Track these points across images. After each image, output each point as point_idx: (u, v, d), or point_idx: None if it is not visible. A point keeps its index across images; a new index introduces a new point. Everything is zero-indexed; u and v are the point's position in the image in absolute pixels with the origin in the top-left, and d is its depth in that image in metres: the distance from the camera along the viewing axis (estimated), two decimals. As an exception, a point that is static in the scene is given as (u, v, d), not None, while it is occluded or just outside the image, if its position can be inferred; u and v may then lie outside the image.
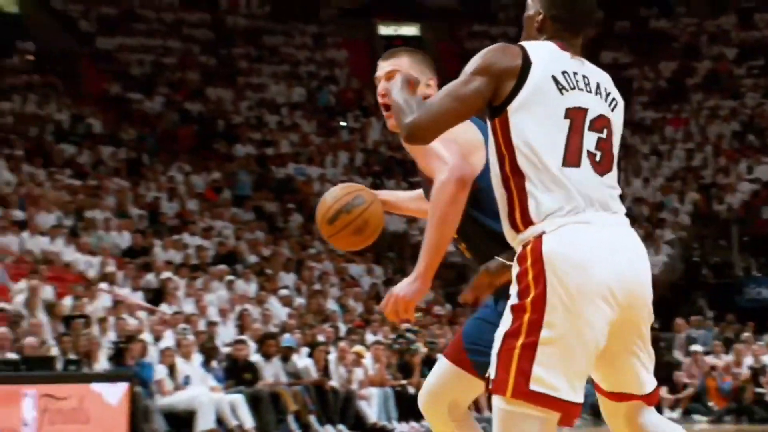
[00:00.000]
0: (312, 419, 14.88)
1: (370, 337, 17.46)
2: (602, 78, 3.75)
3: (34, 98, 24.36)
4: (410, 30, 33.48)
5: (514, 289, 3.51)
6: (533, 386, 3.39)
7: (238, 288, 17.96)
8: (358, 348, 16.44)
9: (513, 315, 3.46)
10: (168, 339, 14.79)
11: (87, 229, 18.78)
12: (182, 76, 28.95)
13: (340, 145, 27.43)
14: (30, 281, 14.68)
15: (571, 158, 3.55)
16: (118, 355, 13.81)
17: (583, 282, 3.42)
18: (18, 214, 17.97)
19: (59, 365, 12.93)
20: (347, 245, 4.47)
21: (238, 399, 14.07)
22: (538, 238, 3.47)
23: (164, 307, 16.44)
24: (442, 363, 4.49)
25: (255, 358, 15.16)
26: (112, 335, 14.45)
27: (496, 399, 3.46)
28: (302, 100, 29.45)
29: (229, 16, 31.76)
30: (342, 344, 16.17)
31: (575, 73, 3.65)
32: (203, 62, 30.06)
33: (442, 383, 4.47)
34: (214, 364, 14.66)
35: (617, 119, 3.74)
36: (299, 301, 18.67)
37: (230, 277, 18.07)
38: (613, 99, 3.75)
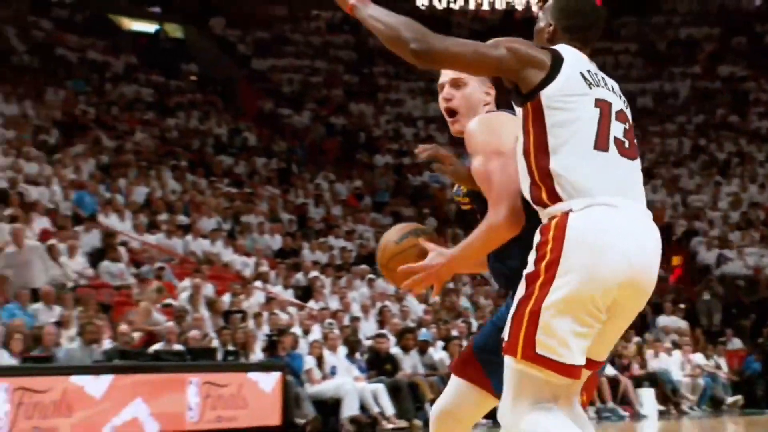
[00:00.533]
0: (447, 407, 14.80)
1: (500, 333, 17.29)
2: (614, 83, 3.71)
3: (197, 115, 24.80)
4: (536, 47, 33.15)
5: (532, 257, 3.46)
6: (539, 350, 3.37)
7: (379, 286, 18.01)
8: (489, 342, 16.30)
9: (527, 282, 3.44)
10: (316, 332, 14.88)
11: (243, 232, 19.04)
12: (328, 93, 29.22)
13: (471, 156, 27.29)
14: (193, 280, 14.87)
15: (601, 143, 3.49)
16: (271, 347, 13.87)
17: (595, 264, 3.36)
18: (182, 219, 18.25)
19: (219, 356, 13.04)
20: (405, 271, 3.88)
21: (380, 388, 14.07)
22: (565, 215, 3.41)
23: (312, 304, 16.56)
24: (452, 380, 4.13)
25: (394, 350, 15.15)
26: (265, 329, 14.54)
27: (507, 358, 3.46)
28: (437, 114, 29.20)
29: (371, 38, 31.91)
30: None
31: (596, 74, 3.62)
32: (347, 80, 30.29)
33: (452, 400, 4.11)
34: (357, 355, 14.69)
35: (630, 119, 3.70)
36: (434, 298, 18.64)
37: (371, 276, 18.12)
38: (625, 101, 3.71)
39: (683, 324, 20.51)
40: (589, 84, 3.54)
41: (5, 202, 15.35)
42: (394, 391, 14.19)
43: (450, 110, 4.14)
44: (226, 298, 15.22)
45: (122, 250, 15.78)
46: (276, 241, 19.32)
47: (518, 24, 33.95)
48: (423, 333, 16.13)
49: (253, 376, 12.81)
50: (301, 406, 13.30)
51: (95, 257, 15.43)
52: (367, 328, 16.21)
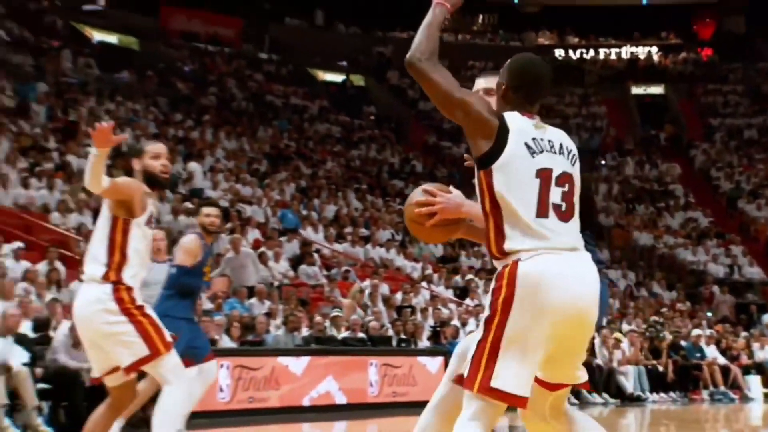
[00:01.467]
0: (583, 390, 14.50)
1: (626, 327, 16.82)
2: (563, 137, 3.42)
3: (375, 147, 25.05)
4: (657, 89, 32.15)
5: (487, 301, 3.31)
6: (493, 383, 3.22)
7: (524, 287, 17.75)
8: (617, 334, 15.87)
9: (485, 326, 3.27)
10: (471, 325, 14.71)
11: (412, 242, 19.05)
12: (481, 128, 29.06)
13: (600, 179, 26.73)
14: (372, 280, 14.98)
15: (542, 211, 3.28)
16: (435, 336, 13.85)
17: (543, 302, 3.19)
18: (363, 232, 18.41)
19: (394, 342, 13.10)
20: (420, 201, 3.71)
21: (524, 372, 13.84)
22: (515, 263, 3.24)
23: (468, 301, 16.46)
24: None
25: (537, 341, 14.88)
26: (430, 321, 14.53)
27: (466, 391, 3.31)
28: (571, 145, 28.85)
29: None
30: (604, 332, 15.63)
31: (542, 139, 3.35)
32: (496, 118, 30.04)
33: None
34: (506, 344, 14.49)
35: (577, 172, 3.41)
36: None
37: (517, 279, 17.87)
38: (574, 155, 3.42)
39: (786, 322, 19.59)
40: (533, 153, 3.32)
41: (226, 217, 15.81)
42: (537, 375, 13.94)
43: None
44: (399, 295, 15.24)
45: (316, 256, 16.03)
46: (438, 250, 19.29)
47: (641, 70, 33.12)
48: (560, 326, 15.80)
49: (421, 359, 12.82)
50: (459, 385, 13.19)
51: (295, 262, 15.71)
52: (514, 321, 15.98)
